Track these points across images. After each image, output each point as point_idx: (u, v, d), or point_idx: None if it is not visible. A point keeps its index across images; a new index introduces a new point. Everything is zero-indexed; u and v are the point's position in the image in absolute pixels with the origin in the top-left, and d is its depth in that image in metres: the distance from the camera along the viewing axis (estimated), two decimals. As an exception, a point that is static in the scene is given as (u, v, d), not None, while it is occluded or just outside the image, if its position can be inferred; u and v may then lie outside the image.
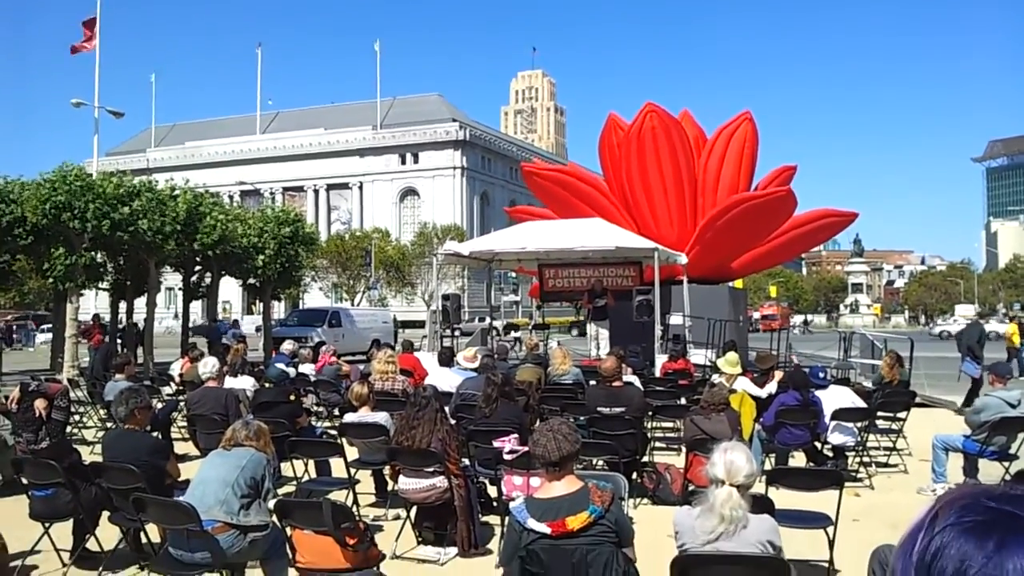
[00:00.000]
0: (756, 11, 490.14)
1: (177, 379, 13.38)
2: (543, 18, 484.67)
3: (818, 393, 8.64)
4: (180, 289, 27.62)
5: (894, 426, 9.83)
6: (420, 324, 47.69)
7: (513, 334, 31.96)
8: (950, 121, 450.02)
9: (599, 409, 8.13)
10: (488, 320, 24.40)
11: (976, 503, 0.91)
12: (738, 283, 26.73)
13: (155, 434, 8.28)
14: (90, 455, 9.46)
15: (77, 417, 11.93)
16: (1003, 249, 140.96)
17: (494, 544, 6.23)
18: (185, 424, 10.66)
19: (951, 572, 0.85)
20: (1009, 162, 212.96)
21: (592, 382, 9.99)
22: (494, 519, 6.71)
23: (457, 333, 20.09)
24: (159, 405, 10.44)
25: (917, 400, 11.20)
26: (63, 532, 5.90)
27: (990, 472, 8.03)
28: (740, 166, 21.31)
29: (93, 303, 41.74)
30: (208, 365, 9.12)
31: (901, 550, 0.93)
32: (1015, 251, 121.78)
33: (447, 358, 11.35)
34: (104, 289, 24.73)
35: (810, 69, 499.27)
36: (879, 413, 9.82)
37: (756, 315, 66.69)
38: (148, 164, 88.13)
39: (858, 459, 9.05)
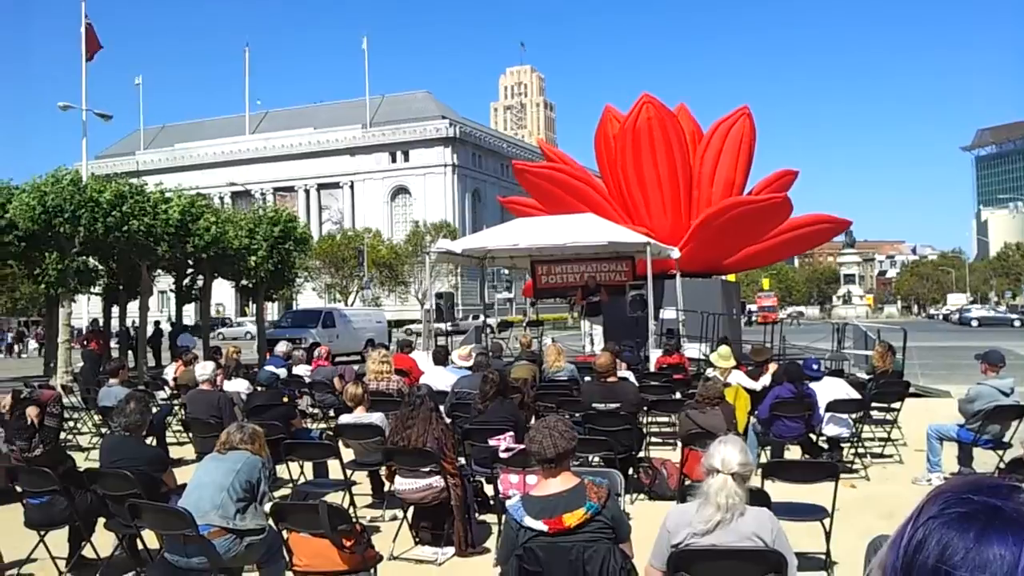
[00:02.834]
0: (746, 6, 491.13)
1: (171, 383, 13.33)
2: (531, 13, 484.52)
3: (812, 385, 8.66)
4: (172, 291, 27.52)
5: (888, 416, 9.86)
6: (414, 323, 47.67)
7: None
8: (939, 110, 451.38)
9: (594, 405, 8.14)
10: (482, 318, 24.39)
11: (959, 496, 0.92)
12: (731, 276, 26.77)
13: (151, 440, 8.25)
14: (85, 461, 9.43)
15: (71, 423, 11.89)
16: (994, 238, 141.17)
17: (491, 543, 6.22)
18: (180, 428, 10.66)
19: (932, 563, 0.87)
20: (998, 150, 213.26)
21: (587, 378, 9.99)
22: (491, 518, 6.71)
23: (450, 328, 20.07)
24: (154, 410, 10.42)
25: (911, 390, 11.25)
26: (59, 540, 5.88)
27: (985, 461, 8.08)
28: (737, 161, 21.28)
29: (86, 308, 41.60)
30: (204, 368, 9.12)
31: (892, 543, 0.95)
32: (1006, 239, 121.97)
33: (442, 357, 11.35)
34: (96, 294, 24.64)
35: (799, 61, 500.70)
36: (873, 404, 9.86)
37: (754, 307, 66.20)
38: (138, 166, 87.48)
39: (853, 450, 9.09)
